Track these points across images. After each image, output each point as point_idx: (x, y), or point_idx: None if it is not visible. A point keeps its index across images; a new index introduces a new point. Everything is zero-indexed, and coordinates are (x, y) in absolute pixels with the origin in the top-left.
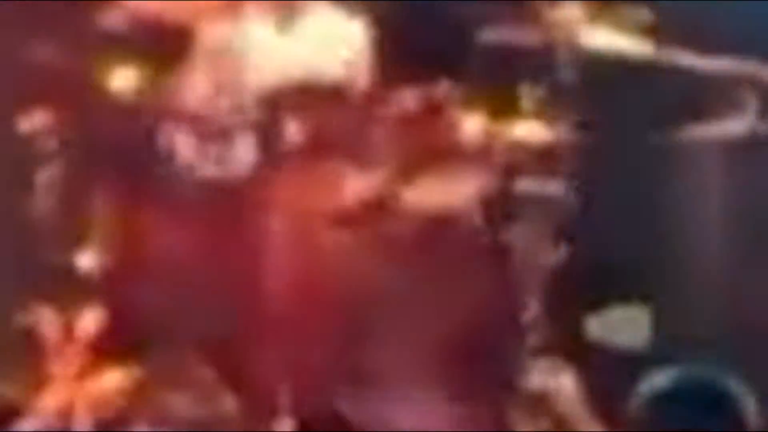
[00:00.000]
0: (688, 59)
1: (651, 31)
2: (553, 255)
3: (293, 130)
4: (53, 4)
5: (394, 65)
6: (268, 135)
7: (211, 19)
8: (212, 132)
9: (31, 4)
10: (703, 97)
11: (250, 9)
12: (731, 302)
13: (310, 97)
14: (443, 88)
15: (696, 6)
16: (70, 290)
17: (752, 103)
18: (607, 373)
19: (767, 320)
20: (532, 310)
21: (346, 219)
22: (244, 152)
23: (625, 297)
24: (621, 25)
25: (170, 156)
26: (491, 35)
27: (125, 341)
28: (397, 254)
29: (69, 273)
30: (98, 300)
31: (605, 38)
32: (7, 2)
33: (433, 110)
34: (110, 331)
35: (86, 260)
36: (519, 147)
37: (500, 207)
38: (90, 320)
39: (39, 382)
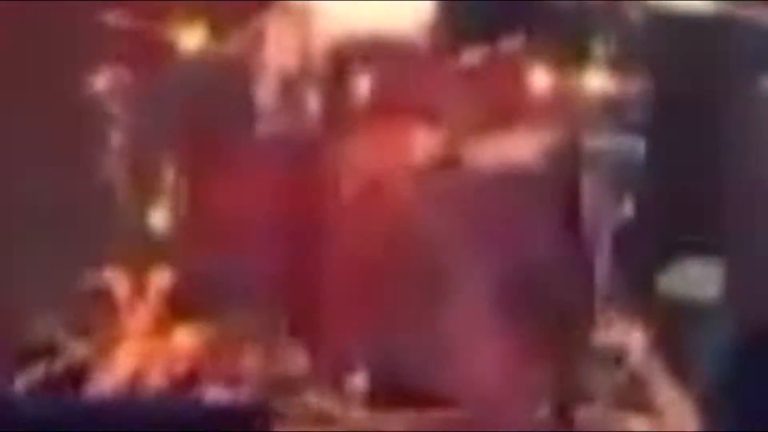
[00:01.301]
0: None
1: None
2: (624, 209)
3: (362, 86)
4: None
5: (461, 20)
6: (336, 91)
7: None
8: (283, 87)
9: None
10: None
11: None
12: None
13: (378, 52)
14: (511, 43)
15: None
16: (141, 250)
17: None
18: (678, 328)
19: None
20: (603, 264)
21: (416, 175)
22: (313, 108)
23: (695, 251)
24: None
25: (240, 114)
26: None
27: (196, 300)
28: (468, 210)
29: (140, 234)
30: (169, 260)
31: None
32: None
33: (501, 65)
34: (181, 291)
35: (157, 221)
36: (588, 100)
37: (569, 161)
38: (161, 280)
39: (112, 340)
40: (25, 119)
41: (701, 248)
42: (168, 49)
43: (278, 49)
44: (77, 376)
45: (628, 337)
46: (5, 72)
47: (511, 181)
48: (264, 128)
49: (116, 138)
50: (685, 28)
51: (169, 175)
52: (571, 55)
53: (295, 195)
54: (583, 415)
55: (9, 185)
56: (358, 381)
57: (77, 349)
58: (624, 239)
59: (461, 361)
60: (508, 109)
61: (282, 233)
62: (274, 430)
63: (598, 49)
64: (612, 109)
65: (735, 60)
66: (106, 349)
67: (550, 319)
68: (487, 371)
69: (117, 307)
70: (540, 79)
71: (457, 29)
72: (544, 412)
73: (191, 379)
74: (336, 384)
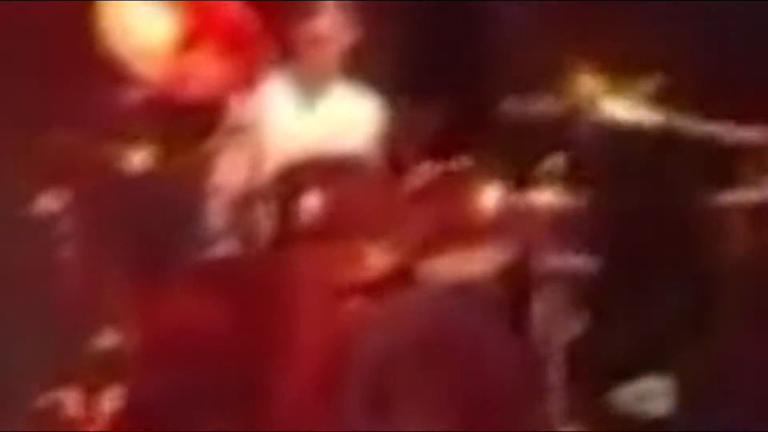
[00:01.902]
0: (709, 128)
1: (667, 100)
2: (575, 326)
3: (313, 204)
4: (70, 86)
5: (414, 139)
6: (287, 209)
7: (232, 96)
8: (233, 207)
9: (49, 86)
10: (725, 164)
11: (271, 87)
12: (752, 372)
13: (329, 171)
14: (462, 161)
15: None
16: (92, 370)
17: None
18: None
19: None
20: (555, 380)
21: (367, 291)
22: (264, 227)
23: (649, 367)
24: (638, 97)
25: (190, 233)
26: (511, 106)
27: (146, 420)
28: (418, 324)
29: (91, 353)
30: (120, 378)
31: (624, 109)
32: (26, 89)
33: (452, 183)
34: (132, 410)
35: (107, 340)
36: (538, 217)
37: (520, 277)
38: (113, 398)
39: None
40: None
41: (655, 364)
42: (116, 169)
43: (229, 168)
44: None
45: None
46: None
47: (463, 297)
48: (214, 247)
49: (66, 257)
50: (633, 143)
51: (120, 294)
52: (523, 171)
53: (245, 313)
54: None
55: None
56: None
57: None
58: (578, 354)
59: None
60: (459, 227)
61: (233, 350)
62: None
63: (550, 165)
64: (563, 227)
65: (686, 174)
66: None
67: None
68: None
69: (71, 424)
70: (490, 196)
71: (409, 149)
72: None
73: None
74: None
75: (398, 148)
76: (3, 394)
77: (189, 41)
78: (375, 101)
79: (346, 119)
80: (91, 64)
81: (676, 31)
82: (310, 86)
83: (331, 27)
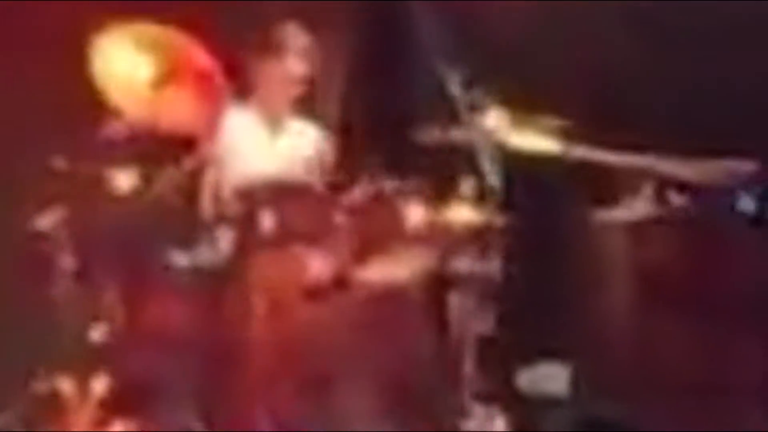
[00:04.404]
0: (596, 154)
1: (563, 135)
2: (487, 320)
3: (265, 222)
4: (66, 120)
5: (349, 165)
6: (245, 225)
7: (202, 129)
8: (200, 224)
9: (48, 120)
10: (609, 186)
11: (235, 121)
12: (638, 360)
13: (278, 192)
14: (389, 183)
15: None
16: (84, 359)
17: (648, 190)
18: (533, 417)
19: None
20: (469, 366)
21: (311, 294)
22: (225, 240)
23: (548, 354)
24: (537, 131)
25: (165, 246)
26: (427, 135)
27: (130, 401)
28: (354, 321)
29: (83, 345)
30: (107, 367)
31: (526, 140)
32: (29, 123)
33: (381, 202)
34: (117, 393)
35: (97, 334)
36: (454, 231)
37: (438, 283)
38: (100, 384)
39: None
40: None
41: (553, 353)
42: (104, 189)
43: (202, 189)
44: None
45: (492, 425)
46: None
47: (390, 297)
48: (186, 258)
49: (64, 263)
50: (537, 167)
51: (108, 296)
52: (441, 191)
53: (212, 313)
54: None
55: None
56: None
57: None
58: (488, 345)
59: None
60: (388, 239)
61: (202, 344)
62: None
63: (463, 187)
64: (475, 239)
65: (578, 194)
66: None
67: (425, 412)
68: None
69: (64, 407)
70: (415, 213)
71: (345, 173)
72: None
73: None
74: None
75: (337, 173)
76: (6, 381)
77: (163, 82)
78: (319, 134)
79: (296, 149)
80: (84, 102)
81: (570, 77)
82: (269, 121)
83: (288, 67)
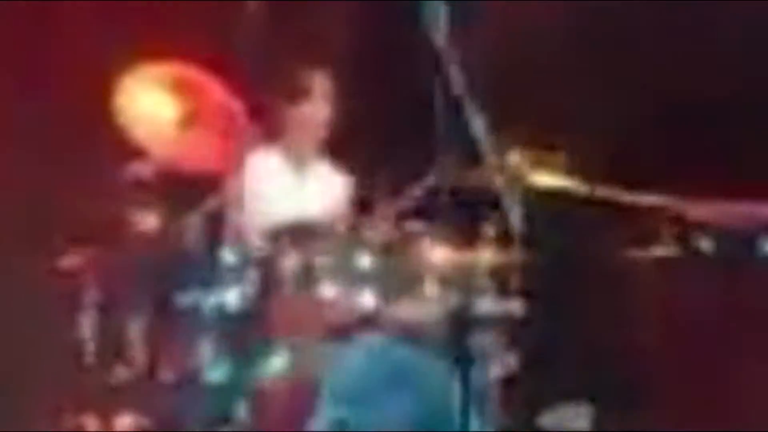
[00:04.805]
0: (619, 195)
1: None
2: (510, 360)
3: (291, 262)
4: (91, 161)
5: (375, 208)
6: (270, 267)
7: (226, 170)
8: (224, 265)
9: (74, 162)
10: (631, 227)
11: (261, 161)
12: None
13: (305, 233)
14: (415, 225)
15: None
16: (107, 399)
17: (671, 232)
18: None
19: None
20: (493, 408)
21: (336, 332)
22: (253, 278)
23: (570, 396)
24: (557, 169)
25: (188, 287)
26: (449, 178)
27: None
28: (380, 361)
29: (107, 384)
30: (132, 406)
31: (547, 179)
32: (56, 165)
33: (407, 243)
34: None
35: (122, 373)
36: (478, 271)
37: (462, 321)
38: (124, 424)
39: None
40: (13, 289)
41: (576, 393)
42: (130, 230)
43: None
44: None
45: None
46: None
47: (415, 335)
48: (212, 298)
49: (89, 302)
50: (559, 209)
51: (132, 334)
52: (465, 234)
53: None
54: None
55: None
56: None
57: None
58: (510, 385)
59: None
60: (413, 278)
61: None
62: None
63: (488, 228)
64: (498, 278)
65: (602, 233)
66: None
67: None
68: None
69: None
70: (439, 253)
71: (369, 213)
72: None
73: None
74: None
75: (363, 215)
76: (32, 418)
77: (188, 122)
78: (344, 176)
79: (322, 193)
80: (109, 143)
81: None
82: (296, 164)
83: (315, 112)
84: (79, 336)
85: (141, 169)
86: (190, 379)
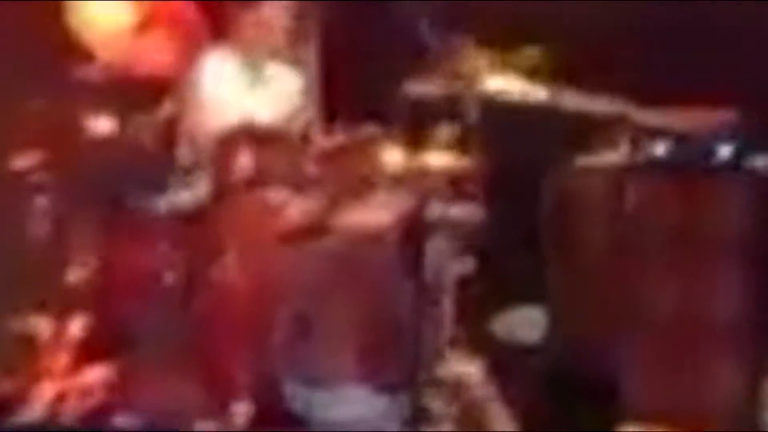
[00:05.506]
0: (573, 100)
1: (542, 73)
2: (464, 265)
3: (243, 166)
4: (46, 65)
5: (330, 111)
6: (222, 169)
7: (177, 71)
8: (177, 168)
9: (28, 65)
10: (586, 132)
11: (214, 65)
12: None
13: (256, 138)
14: (369, 129)
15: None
16: (60, 300)
17: (625, 138)
18: (508, 363)
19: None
20: (446, 311)
21: (289, 238)
22: (202, 184)
23: (523, 300)
24: (517, 70)
25: (143, 187)
26: (410, 87)
27: (105, 342)
28: (331, 266)
29: (60, 285)
30: (84, 308)
31: (504, 84)
32: (9, 68)
33: (360, 147)
34: (93, 334)
35: (74, 275)
36: (432, 176)
37: (416, 226)
38: (77, 325)
39: (34, 377)
40: None
41: (528, 298)
42: (82, 132)
43: (176, 133)
44: (3, 409)
45: (468, 370)
46: None
47: (367, 242)
48: (165, 200)
49: (41, 204)
50: (514, 114)
51: (85, 237)
52: (420, 138)
53: (190, 254)
54: None
55: None
56: (242, 409)
57: (3, 385)
58: (464, 291)
59: (327, 395)
60: (366, 184)
61: (178, 285)
62: None
63: (442, 134)
64: (453, 184)
65: (554, 141)
66: (29, 385)
67: (403, 356)
68: (354, 395)
69: (39, 348)
70: (393, 158)
71: (326, 118)
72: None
73: (102, 410)
74: (222, 411)
75: (316, 118)
76: None
77: (141, 28)
78: (298, 79)
79: (275, 96)
80: (63, 48)
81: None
82: (249, 68)
83: (271, 14)
84: (33, 238)
85: (90, 72)
86: (144, 281)
